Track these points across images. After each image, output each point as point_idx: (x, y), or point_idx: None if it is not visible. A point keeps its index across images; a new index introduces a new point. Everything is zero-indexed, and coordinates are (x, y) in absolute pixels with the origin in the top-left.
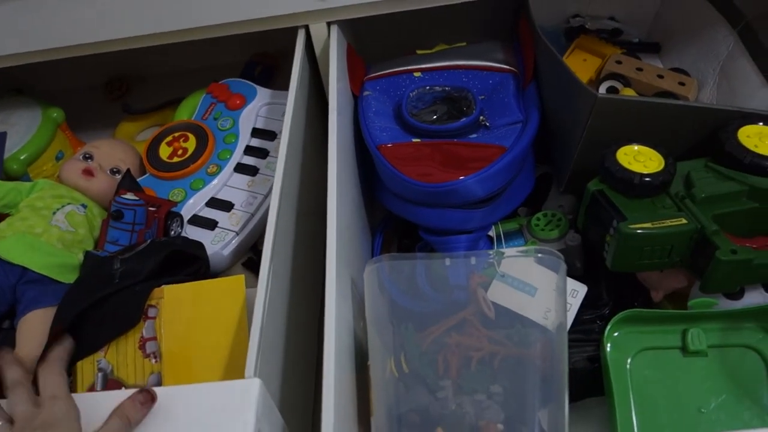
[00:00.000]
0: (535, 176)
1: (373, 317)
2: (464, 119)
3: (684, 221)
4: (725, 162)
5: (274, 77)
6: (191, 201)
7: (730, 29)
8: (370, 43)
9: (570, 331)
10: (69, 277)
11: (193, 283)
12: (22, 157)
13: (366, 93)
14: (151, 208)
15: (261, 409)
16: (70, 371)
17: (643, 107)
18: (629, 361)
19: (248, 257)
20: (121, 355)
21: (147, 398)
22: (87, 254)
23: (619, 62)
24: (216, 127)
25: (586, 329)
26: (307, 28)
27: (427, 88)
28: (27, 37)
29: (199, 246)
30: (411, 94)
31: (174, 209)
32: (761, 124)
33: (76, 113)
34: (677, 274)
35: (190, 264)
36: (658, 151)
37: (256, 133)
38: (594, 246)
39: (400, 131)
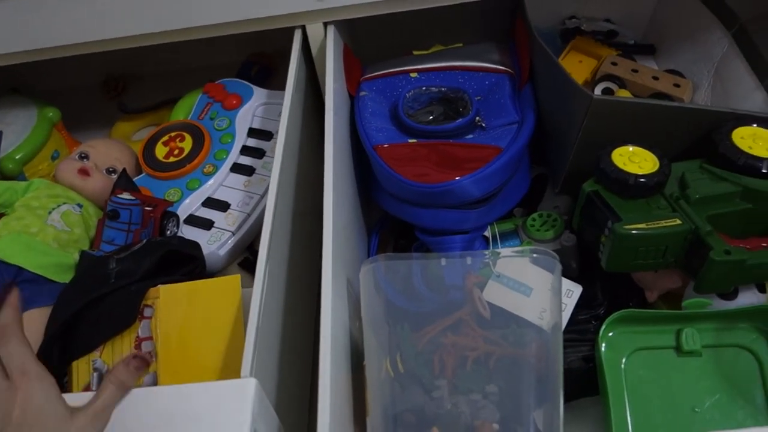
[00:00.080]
0: (530, 177)
1: (369, 317)
2: (460, 120)
3: (678, 222)
4: (719, 163)
5: (271, 77)
6: (187, 201)
7: (724, 31)
8: (367, 43)
9: (565, 331)
10: (64, 277)
11: (189, 282)
12: (17, 157)
13: (362, 93)
14: (147, 208)
15: (257, 409)
16: (65, 371)
17: (638, 108)
18: (624, 360)
19: (244, 257)
20: (117, 355)
21: (141, 364)
22: (82, 254)
23: (614, 64)
24: (212, 126)
25: (581, 329)
26: (303, 28)
27: (424, 88)
28: (23, 36)
29: (195, 246)
30: (407, 95)
31: (170, 209)
32: (755, 125)
33: (71, 113)
34: (671, 274)
35: (186, 264)
36: (653, 152)
37: (252, 133)
38: (589, 246)
39: (397, 132)
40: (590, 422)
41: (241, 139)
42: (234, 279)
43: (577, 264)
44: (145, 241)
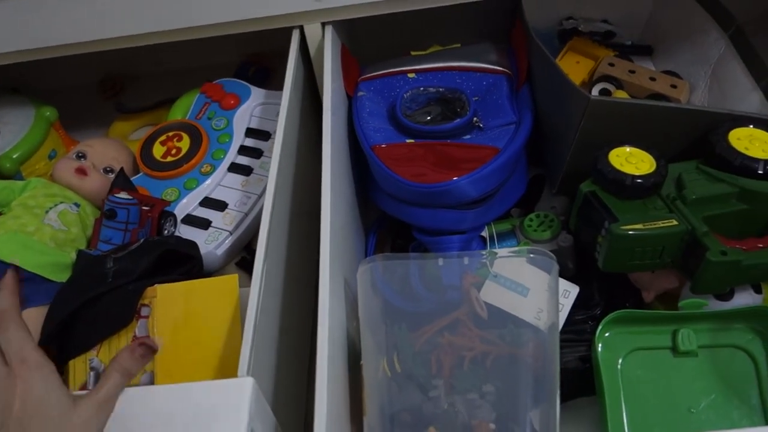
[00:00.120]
0: (528, 177)
1: (366, 317)
2: (458, 120)
3: (675, 222)
4: (716, 164)
5: (269, 77)
6: (185, 200)
7: (721, 33)
8: (365, 43)
9: (562, 332)
10: (61, 276)
11: (186, 282)
12: (14, 156)
13: (360, 94)
14: (144, 208)
15: (254, 408)
16: (62, 370)
17: (636, 109)
18: (620, 361)
19: (242, 257)
20: (114, 354)
21: (147, 352)
22: (80, 253)
23: (611, 65)
24: (210, 126)
25: (578, 329)
26: (301, 28)
27: (421, 89)
28: (21, 35)
29: (193, 245)
30: (405, 95)
31: (167, 208)
32: (751, 126)
33: (69, 112)
34: (668, 274)
35: (184, 263)
36: (650, 153)
37: (250, 133)
38: (586, 247)
39: (394, 132)
40: (587, 422)
41: (238, 139)
42: (231, 279)
43: (574, 264)
44: (142, 240)
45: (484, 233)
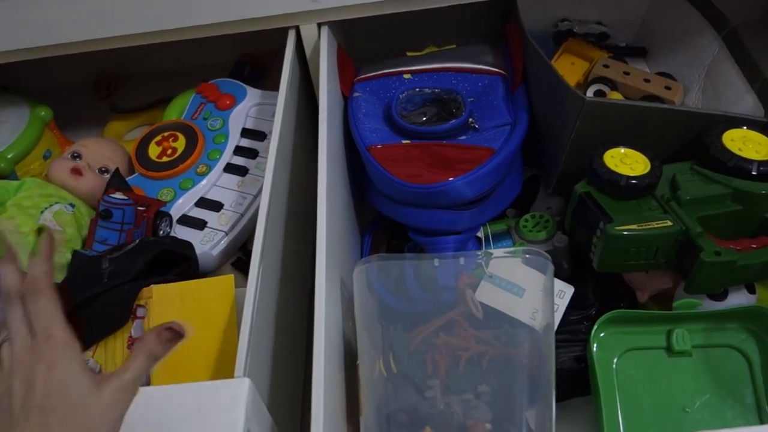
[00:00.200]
0: (523, 178)
1: (362, 317)
2: (453, 121)
3: (669, 223)
4: (710, 165)
5: (264, 78)
6: (180, 201)
7: (715, 35)
8: (361, 44)
9: (557, 332)
10: (57, 277)
11: (182, 282)
12: (9, 156)
13: (356, 94)
14: (140, 208)
15: (250, 409)
16: None
17: (630, 111)
18: (615, 361)
19: (237, 257)
20: (110, 355)
21: (174, 336)
22: (75, 253)
23: (606, 66)
24: (206, 127)
25: (573, 330)
26: (297, 28)
27: (417, 89)
28: (15, 35)
29: (188, 246)
30: (401, 96)
31: (163, 209)
32: (745, 128)
33: (64, 112)
34: (662, 275)
35: (179, 264)
36: (645, 154)
37: (245, 133)
38: (581, 247)
39: (390, 132)
40: (582, 422)
41: (234, 139)
42: (227, 279)
43: (569, 265)
44: (138, 240)
45: (480, 234)
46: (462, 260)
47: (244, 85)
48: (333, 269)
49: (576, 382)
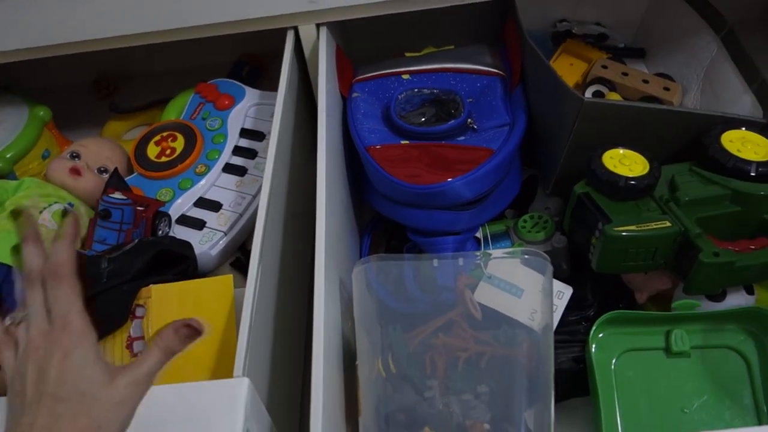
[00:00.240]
0: (521, 179)
1: (361, 317)
2: (452, 122)
3: (668, 224)
4: (708, 166)
5: (262, 78)
6: (179, 201)
7: (713, 35)
8: (359, 45)
9: (556, 332)
10: None
11: (181, 282)
12: (8, 156)
13: (355, 95)
14: (138, 208)
15: (249, 409)
16: None
17: (629, 112)
18: (614, 361)
19: (236, 257)
20: (109, 354)
21: (192, 333)
22: None
23: (605, 67)
24: (204, 127)
25: (572, 330)
26: (296, 29)
27: (416, 90)
28: (14, 35)
29: (187, 246)
30: (399, 96)
31: (162, 209)
32: (744, 128)
33: (62, 112)
34: (661, 276)
35: (178, 264)
36: (644, 155)
37: (244, 133)
38: (580, 248)
39: (389, 133)
40: (580, 423)
41: (233, 139)
42: (226, 279)
43: (567, 265)
44: (137, 240)
45: (479, 234)
46: (461, 261)
47: (243, 86)
48: (332, 269)
49: (574, 382)
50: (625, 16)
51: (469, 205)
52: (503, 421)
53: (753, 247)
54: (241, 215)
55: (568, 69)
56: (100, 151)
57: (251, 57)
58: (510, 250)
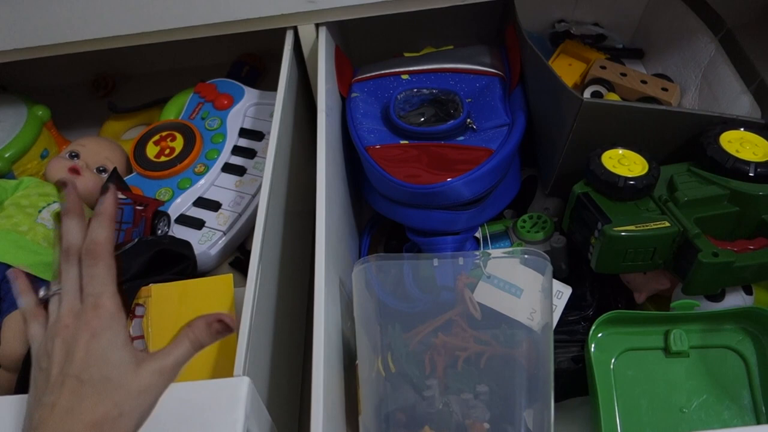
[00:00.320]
0: (521, 179)
1: (360, 317)
2: (451, 122)
3: (667, 224)
4: (707, 166)
5: (262, 78)
6: (178, 200)
7: (711, 36)
8: (358, 45)
9: (555, 332)
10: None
11: (181, 281)
12: (6, 155)
13: (354, 95)
14: (138, 207)
15: (250, 408)
16: None
17: (628, 112)
18: (613, 361)
19: (235, 257)
20: None
21: (223, 329)
22: None
23: (603, 67)
24: (203, 126)
25: (571, 330)
26: (295, 29)
27: (415, 90)
28: (13, 34)
29: (187, 245)
30: (399, 96)
31: (161, 208)
32: (742, 129)
33: (61, 111)
34: (660, 276)
35: (177, 263)
36: (642, 155)
37: (243, 133)
38: (579, 248)
39: (388, 133)
40: (579, 422)
41: (232, 139)
42: (226, 278)
43: (566, 265)
44: (136, 240)
45: (478, 234)
46: (460, 260)
47: (242, 85)
48: (332, 269)
49: (574, 382)
50: (624, 16)
51: (469, 205)
52: (503, 421)
53: (752, 247)
54: (240, 215)
55: (566, 69)
56: (99, 150)
57: (250, 57)
58: (509, 249)
